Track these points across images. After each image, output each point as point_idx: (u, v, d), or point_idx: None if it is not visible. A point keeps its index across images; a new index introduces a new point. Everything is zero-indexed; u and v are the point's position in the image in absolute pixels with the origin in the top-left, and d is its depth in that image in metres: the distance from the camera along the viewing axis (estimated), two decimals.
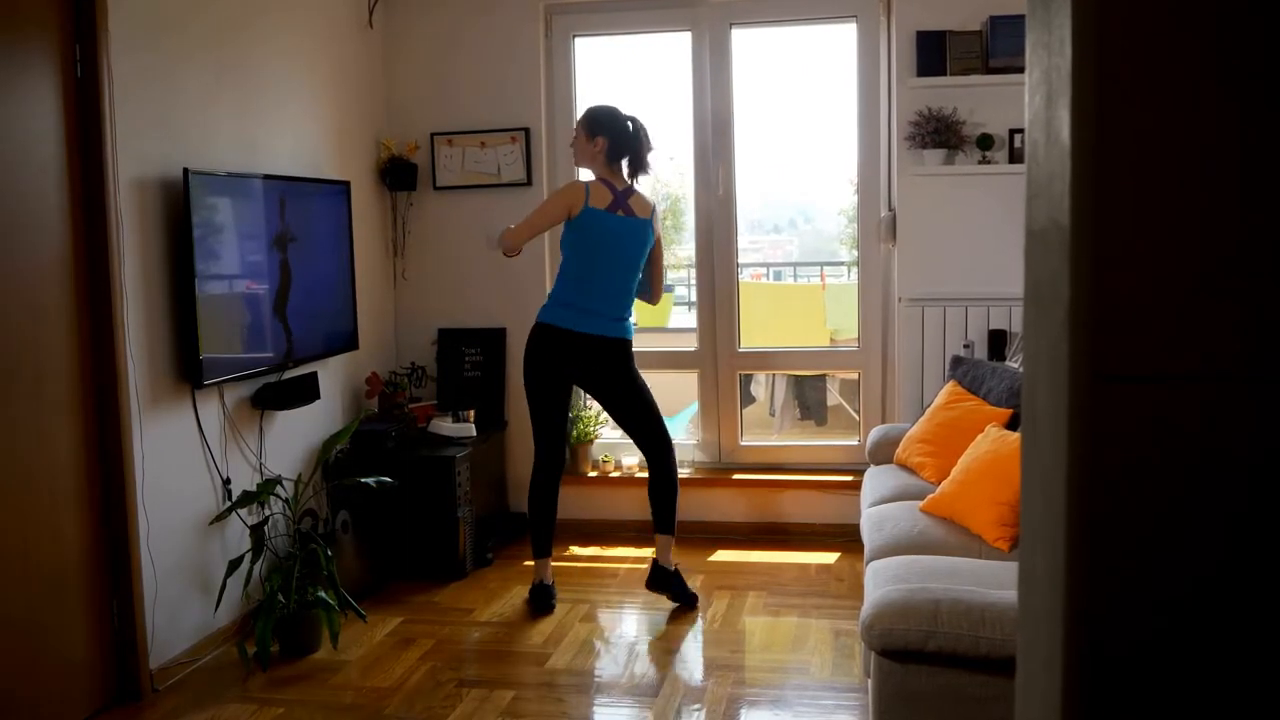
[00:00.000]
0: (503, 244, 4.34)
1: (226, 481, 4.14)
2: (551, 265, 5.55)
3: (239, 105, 4.30)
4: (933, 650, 2.47)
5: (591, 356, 4.34)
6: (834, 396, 7.03)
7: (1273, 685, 0.81)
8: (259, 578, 4.11)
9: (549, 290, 4.49)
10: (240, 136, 4.29)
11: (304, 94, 4.78)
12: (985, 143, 4.97)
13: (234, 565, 3.89)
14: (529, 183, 5.43)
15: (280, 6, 4.61)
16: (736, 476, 5.46)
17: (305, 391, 4.52)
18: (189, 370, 3.90)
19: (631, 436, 4.55)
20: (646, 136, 4.39)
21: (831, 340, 6.83)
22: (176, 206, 3.86)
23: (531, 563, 5.09)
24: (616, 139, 4.33)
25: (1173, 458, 0.80)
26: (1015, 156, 4.96)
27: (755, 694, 3.71)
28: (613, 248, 4.31)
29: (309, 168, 4.76)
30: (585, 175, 4.54)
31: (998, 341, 4.94)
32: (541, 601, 4.47)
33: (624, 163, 4.36)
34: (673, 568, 4.47)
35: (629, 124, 4.36)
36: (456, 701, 3.65)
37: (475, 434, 5.10)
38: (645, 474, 5.40)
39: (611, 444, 5.65)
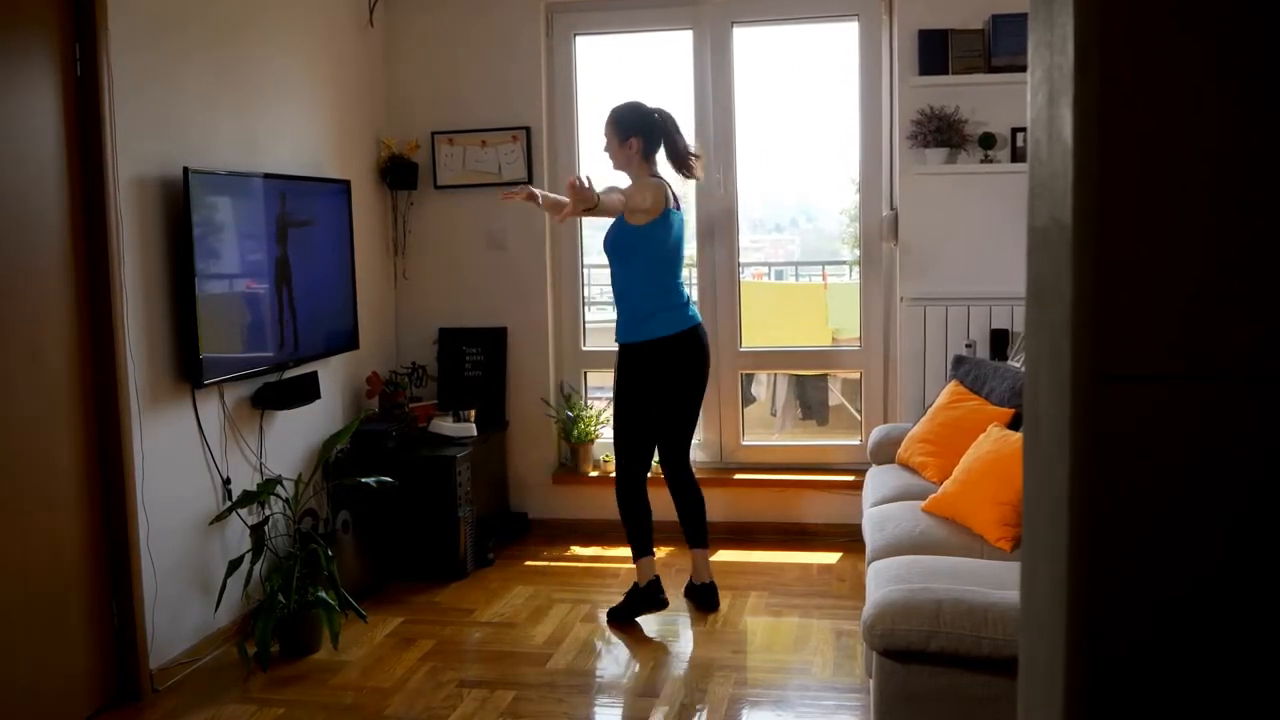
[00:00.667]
0: (585, 195, 3.88)
1: (226, 481, 4.14)
2: (554, 263, 5.54)
3: (239, 104, 4.29)
4: (935, 650, 2.47)
5: (697, 348, 4.30)
6: (836, 396, 7.01)
7: (1273, 685, 0.81)
8: (259, 578, 4.10)
9: (626, 307, 4.29)
10: (240, 135, 4.29)
11: (304, 93, 4.77)
12: (987, 142, 4.96)
13: (234, 565, 3.89)
14: (529, 182, 5.42)
15: (280, 5, 4.60)
16: (738, 476, 5.45)
17: (305, 391, 4.51)
18: (189, 370, 3.89)
19: (672, 440, 4.42)
20: (676, 126, 4.33)
21: (833, 340, 6.80)
22: (176, 205, 3.85)
23: (535, 563, 5.10)
24: (649, 136, 4.26)
25: (1174, 458, 0.80)
26: (1017, 155, 4.94)
27: (757, 694, 3.70)
28: (680, 241, 4.33)
29: (309, 167, 4.75)
30: (606, 175, 4.44)
31: (1000, 341, 4.93)
32: (657, 598, 4.38)
33: (657, 158, 4.31)
34: (710, 580, 4.51)
35: (655, 116, 4.29)
36: (457, 702, 3.65)
37: (476, 434, 5.09)
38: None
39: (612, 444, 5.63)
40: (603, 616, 4.42)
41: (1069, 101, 0.81)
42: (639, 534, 4.40)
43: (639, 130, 4.25)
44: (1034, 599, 0.95)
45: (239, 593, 4.14)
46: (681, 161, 4.32)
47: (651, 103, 4.32)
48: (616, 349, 4.33)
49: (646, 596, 4.36)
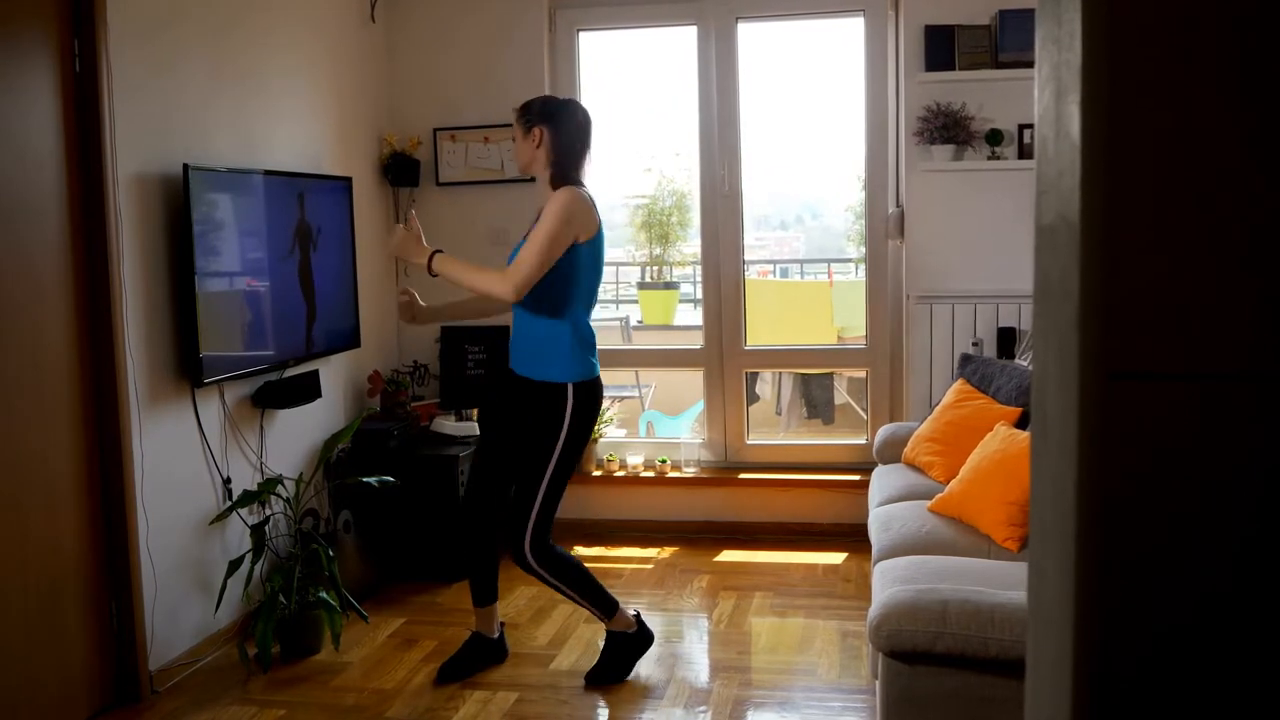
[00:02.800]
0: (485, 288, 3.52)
1: (227, 481, 4.11)
2: None
3: (240, 100, 4.26)
4: (941, 651, 2.45)
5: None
6: (841, 395, 6.99)
7: None
8: (260, 578, 4.08)
9: (552, 341, 3.58)
10: (241, 132, 4.26)
11: (306, 89, 4.75)
12: (994, 138, 4.92)
13: (234, 565, 3.86)
14: (533, 179, 5.36)
15: (282, 1, 4.57)
16: (743, 476, 5.42)
17: (306, 390, 4.48)
18: (189, 368, 3.87)
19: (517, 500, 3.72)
20: (590, 130, 3.67)
21: (839, 338, 6.79)
22: (176, 202, 3.83)
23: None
24: (559, 128, 3.59)
25: (1182, 456, 0.80)
26: (1025, 152, 4.91)
27: (762, 696, 3.67)
28: (601, 268, 3.73)
29: (310, 163, 4.73)
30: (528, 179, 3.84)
31: (1007, 339, 4.90)
32: (647, 636, 3.88)
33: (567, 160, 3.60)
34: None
35: (569, 106, 3.65)
36: (459, 703, 3.62)
37: (479, 433, 5.05)
38: (650, 473, 5.41)
39: (616, 443, 5.62)
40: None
41: (1076, 98, 0.80)
42: (594, 583, 3.77)
43: (546, 119, 3.58)
44: (1041, 599, 0.95)
45: (239, 593, 4.12)
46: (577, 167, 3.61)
47: (564, 95, 3.69)
48: (548, 388, 3.56)
49: (639, 640, 3.85)
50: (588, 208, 3.54)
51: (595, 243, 3.58)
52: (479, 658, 3.88)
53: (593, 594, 3.75)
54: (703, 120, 5.40)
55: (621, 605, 3.82)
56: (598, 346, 3.73)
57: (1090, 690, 0.82)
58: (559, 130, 3.59)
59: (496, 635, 3.93)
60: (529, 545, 3.63)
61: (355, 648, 4.09)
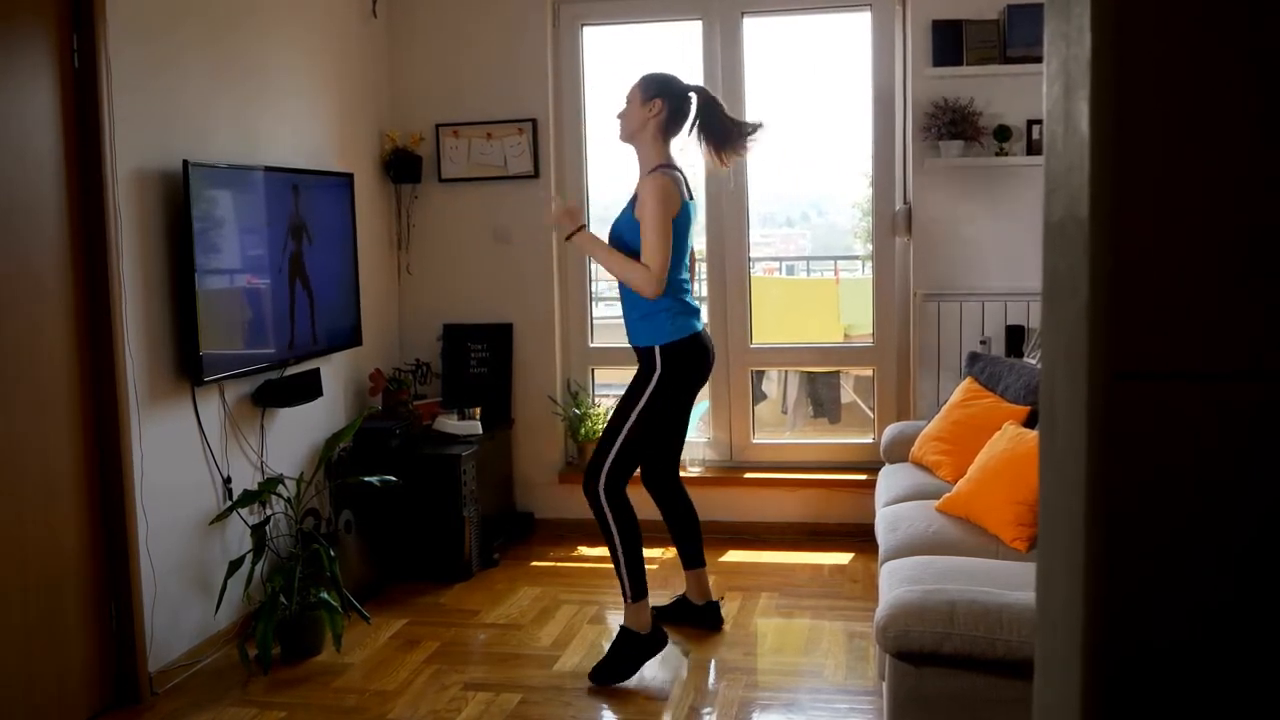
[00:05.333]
0: (642, 282, 3.71)
1: (227, 480, 4.09)
2: (560, 258, 5.48)
3: (240, 96, 4.24)
4: (948, 652, 2.44)
5: (708, 354, 3.93)
6: (848, 393, 6.94)
7: None
8: (260, 579, 4.06)
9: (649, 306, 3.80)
10: (241, 128, 4.24)
11: (307, 85, 4.72)
12: (1002, 134, 4.88)
13: (235, 566, 3.84)
14: (535, 175, 5.36)
15: None
16: (748, 475, 5.39)
17: (307, 388, 4.46)
18: (189, 367, 3.84)
19: (668, 458, 4.15)
20: (720, 107, 3.94)
21: (845, 336, 6.75)
22: (176, 199, 3.80)
23: (542, 563, 5.05)
24: (675, 108, 3.84)
25: (1192, 457, 0.80)
26: (1033, 148, 4.88)
27: (767, 697, 3.64)
28: (689, 237, 3.87)
29: (311, 160, 4.70)
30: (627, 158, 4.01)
31: (1015, 337, 4.86)
32: (661, 640, 3.91)
33: (682, 135, 3.90)
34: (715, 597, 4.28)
35: (690, 92, 3.89)
36: (462, 705, 3.60)
37: (481, 432, 5.04)
38: None
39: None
40: (611, 618, 4.36)
41: (1085, 94, 0.80)
42: (639, 559, 3.89)
43: (667, 95, 3.82)
44: (1050, 600, 0.95)
45: (240, 594, 4.10)
46: (728, 143, 3.94)
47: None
48: (644, 351, 3.85)
49: (652, 643, 3.87)
50: (674, 188, 3.75)
51: (680, 217, 3.77)
52: (682, 618, 4.20)
53: (632, 567, 3.85)
54: None
55: (648, 603, 3.87)
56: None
57: (1099, 691, 0.81)
58: (675, 110, 3.85)
59: (702, 603, 4.21)
60: (603, 481, 3.83)
61: (356, 649, 4.07)
